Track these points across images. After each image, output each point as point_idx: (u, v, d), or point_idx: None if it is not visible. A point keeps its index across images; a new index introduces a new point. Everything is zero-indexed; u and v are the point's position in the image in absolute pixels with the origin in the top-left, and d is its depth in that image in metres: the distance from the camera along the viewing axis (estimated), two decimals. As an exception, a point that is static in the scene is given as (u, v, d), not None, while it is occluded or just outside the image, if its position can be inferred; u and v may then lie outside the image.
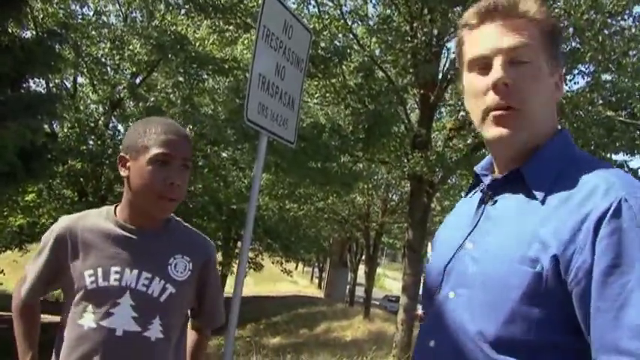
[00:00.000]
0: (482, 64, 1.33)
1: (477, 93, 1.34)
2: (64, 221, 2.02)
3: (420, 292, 1.55)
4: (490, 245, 1.29)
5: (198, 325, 2.19)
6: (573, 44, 12.77)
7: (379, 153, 13.39)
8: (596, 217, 1.15)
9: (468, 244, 1.35)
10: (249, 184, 17.78)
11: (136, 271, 1.94)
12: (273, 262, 26.75)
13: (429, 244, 1.54)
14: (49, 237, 2.01)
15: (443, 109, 17.00)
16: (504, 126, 1.30)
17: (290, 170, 14.15)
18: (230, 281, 24.90)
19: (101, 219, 2.01)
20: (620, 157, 13.84)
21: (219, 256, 23.03)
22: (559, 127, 1.40)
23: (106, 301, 1.91)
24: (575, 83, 21.82)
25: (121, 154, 1.99)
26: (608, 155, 14.66)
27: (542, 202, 1.26)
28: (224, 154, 19.21)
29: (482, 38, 1.34)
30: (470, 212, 1.41)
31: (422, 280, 1.39)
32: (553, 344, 1.19)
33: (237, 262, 19.47)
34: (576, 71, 13.73)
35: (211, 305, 2.17)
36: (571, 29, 12.08)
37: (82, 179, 17.60)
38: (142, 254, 1.97)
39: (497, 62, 1.30)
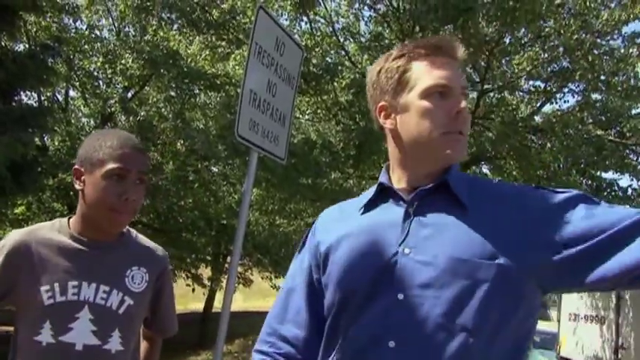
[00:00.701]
0: (441, 93, 1.49)
1: (435, 117, 1.49)
2: (15, 235, 1.95)
3: (328, 304, 1.47)
4: (439, 249, 1.41)
5: (150, 334, 2.19)
6: (564, 63, 12.91)
7: (370, 170, 13.43)
8: (551, 203, 1.45)
9: (405, 249, 1.44)
10: (240, 200, 17.67)
11: (94, 285, 1.92)
12: (262, 278, 26.62)
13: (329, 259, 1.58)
14: (0, 251, 1.93)
15: (433, 127, 17.07)
16: (460, 147, 1.50)
17: (281, 186, 14.16)
18: (219, 296, 24.79)
19: (54, 232, 1.97)
20: (609, 175, 13.97)
21: (208, 271, 22.95)
22: None
23: (64, 316, 1.89)
24: (565, 102, 21.95)
25: (76, 166, 1.97)
26: (598, 173, 14.77)
27: (470, 207, 1.46)
28: (214, 169, 19.20)
29: (442, 70, 1.51)
30: (384, 224, 1.51)
31: (331, 295, 1.37)
32: (515, 322, 1.40)
33: (226, 277, 19.36)
34: (566, 90, 13.87)
35: (165, 314, 2.18)
36: (561, 48, 12.21)
37: (71, 193, 17.52)
38: (98, 267, 1.95)
39: (461, 95, 1.51)
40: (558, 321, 14.75)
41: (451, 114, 1.48)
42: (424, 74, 1.51)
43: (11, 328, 1.98)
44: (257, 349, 1.71)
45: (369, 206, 1.60)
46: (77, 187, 1.96)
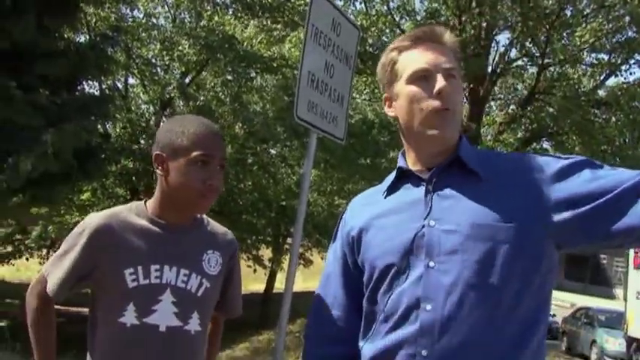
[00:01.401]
0: (423, 77, 1.63)
1: (419, 98, 1.63)
2: (96, 219, 1.98)
3: (366, 281, 1.58)
4: (460, 217, 1.56)
5: (215, 314, 2.20)
6: (630, 33, 12.48)
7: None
8: (558, 168, 1.56)
9: (430, 222, 1.58)
10: (298, 181, 17.85)
11: (175, 268, 1.97)
12: (322, 258, 26.81)
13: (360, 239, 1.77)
14: (79, 235, 1.97)
15: (492, 103, 16.78)
16: (445, 125, 1.61)
17: (339, 166, 14.18)
18: (280, 277, 25.05)
19: (133, 215, 2.00)
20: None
21: (268, 252, 23.20)
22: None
23: (147, 298, 1.93)
24: (631, 74, 21.25)
25: (157, 152, 1.97)
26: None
27: (483, 177, 1.59)
28: (273, 151, 19.34)
29: (422, 56, 1.66)
30: (408, 202, 1.66)
31: (368, 272, 1.52)
32: (538, 277, 1.54)
33: (286, 258, 19.61)
34: (632, 61, 13.40)
35: (233, 297, 2.21)
36: (627, 18, 11.79)
37: (134, 178, 17.94)
38: (178, 250, 1.99)
39: (439, 76, 1.62)
40: (625, 300, 14.35)
41: (433, 94, 1.61)
42: (408, 63, 1.66)
43: (82, 310, 2.02)
44: (305, 335, 1.91)
45: (391, 190, 1.75)
46: (159, 172, 1.98)
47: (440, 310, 1.51)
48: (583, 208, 1.49)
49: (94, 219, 1.98)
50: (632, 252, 13.57)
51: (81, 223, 2.01)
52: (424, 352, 1.52)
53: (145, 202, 2.06)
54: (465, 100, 14.44)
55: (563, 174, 1.55)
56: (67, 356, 8.92)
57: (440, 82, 1.60)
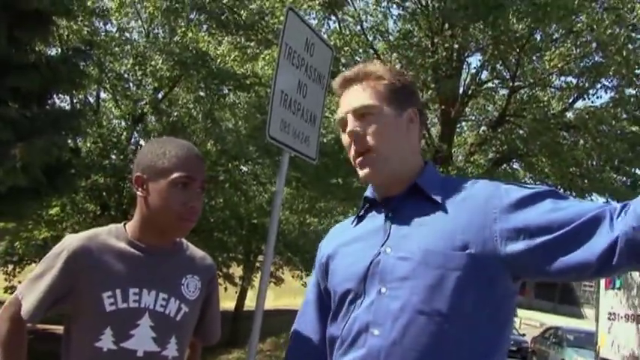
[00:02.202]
0: (343, 124, 1.71)
1: (346, 147, 1.72)
2: (75, 240, 1.94)
3: (332, 306, 1.65)
4: (415, 245, 1.56)
5: (194, 340, 2.20)
6: (596, 58, 12.72)
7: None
8: (519, 197, 1.53)
9: (386, 249, 1.61)
10: (270, 199, 17.81)
11: (153, 292, 1.95)
12: (293, 276, 26.73)
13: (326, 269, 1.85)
14: (56, 256, 1.93)
15: (464, 124, 16.95)
16: (365, 166, 1.67)
17: (311, 185, 14.19)
18: (251, 295, 24.92)
19: (112, 238, 1.98)
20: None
21: (239, 270, 23.08)
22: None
23: (125, 322, 1.90)
24: (598, 97, 21.64)
25: (138, 173, 1.97)
26: (633, 170, 14.52)
27: (442, 204, 1.60)
28: (245, 169, 19.31)
29: (341, 104, 1.74)
30: (370, 231, 1.70)
31: (332, 298, 1.61)
32: (488, 306, 1.51)
33: (257, 276, 19.47)
34: (599, 86, 13.66)
35: (210, 322, 2.20)
36: (594, 44, 12.03)
37: (104, 194, 17.75)
38: (157, 274, 1.98)
39: (350, 119, 1.68)
40: (596, 320, 14.46)
41: (347, 142, 1.70)
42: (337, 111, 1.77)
43: (51, 327, 1.97)
44: (285, 357, 1.97)
45: (360, 219, 1.80)
46: (140, 194, 1.97)
47: (387, 335, 1.54)
48: (537, 240, 1.47)
49: (72, 240, 1.95)
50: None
51: (59, 244, 1.98)
52: None
53: (125, 224, 2.04)
54: (436, 120, 14.58)
55: (523, 203, 1.52)
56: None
57: (349, 126, 1.68)
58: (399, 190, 1.68)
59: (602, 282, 13.88)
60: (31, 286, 1.95)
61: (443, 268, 1.51)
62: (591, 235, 1.42)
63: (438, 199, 1.62)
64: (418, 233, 1.59)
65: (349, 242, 1.76)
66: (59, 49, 14.65)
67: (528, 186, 1.58)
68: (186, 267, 2.06)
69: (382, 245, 1.62)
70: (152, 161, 1.96)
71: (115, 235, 1.99)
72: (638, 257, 1.37)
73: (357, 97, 1.69)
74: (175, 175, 1.91)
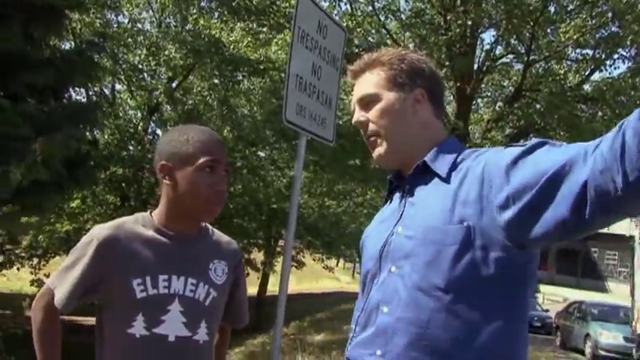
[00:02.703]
0: (354, 112, 1.82)
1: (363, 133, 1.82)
2: (103, 230, 1.98)
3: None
4: (420, 222, 1.61)
5: (223, 324, 2.23)
6: (613, 28, 12.56)
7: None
8: (513, 157, 1.46)
9: (398, 229, 1.66)
10: (288, 183, 17.85)
11: (182, 278, 1.98)
12: (314, 260, 26.81)
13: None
14: (86, 246, 1.97)
15: (479, 101, 16.85)
16: (374, 149, 1.77)
17: (329, 168, 14.20)
18: (273, 280, 25.04)
19: (139, 226, 2.02)
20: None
21: (260, 256, 23.18)
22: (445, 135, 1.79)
23: (156, 308, 1.94)
24: (615, 68, 21.34)
25: (162, 162, 2.00)
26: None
27: (447, 179, 1.62)
28: (262, 154, 19.34)
29: (353, 93, 1.83)
30: (392, 211, 1.76)
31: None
32: (487, 278, 1.50)
33: (278, 260, 19.59)
34: (616, 56, 13.49)
35: (238, 306, 2.24)
36: (610, 13, 11.87)
37: (123, 184, 17.88)
38: (185, 260, 2.01)
39: (356, 109, 1.80)
40: (632, 296, 14.25)
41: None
42: None
43: (84, 319, 2.00)
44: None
45: (386, 200, 1.88)
46: (166, 182, 2.00)
47: (393, 312, 1.59)
48: (523, 200, 1.40)
49: (101, 230, 1.99)
50: (638, 248, 13.54)
51: (87, 234, 2.02)
52: (379, 352, 1.60)
53: (151, 212, 2.08)
54: (452, 98, 14.50)
55: (514, 164, 1.45)
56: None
57: (354, 116, 1.80)
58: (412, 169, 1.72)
59: (637, 257, 13.72)
60: (62, 276, 1.98)
61: (440, 243, 1.53)
62: (563, 185, 1.31)
63: (443, 173, 1.64)
64: (422, 211, 1.63)
65: (377, 224, 1.83)
66: (73, 43, 14.72)
67: (520, 144, 1.49)
68: (213, 252, 2.09)
69: (395, 225, 1.68)
70: (176, 148, 1.99)
71: (142, 223, 2.03)
72: (608, 209, 1.26)
73: (360, 86, 1.79)
74: (201, 159, 1.95)
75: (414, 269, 1.57)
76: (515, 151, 1.48)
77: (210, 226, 2.18)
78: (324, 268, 28.88)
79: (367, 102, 1.76)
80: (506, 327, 1.52)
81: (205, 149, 1.97)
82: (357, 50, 11.52)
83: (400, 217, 1.68)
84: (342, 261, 58.90)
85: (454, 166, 1.64)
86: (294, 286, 37.40)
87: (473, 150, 1.69)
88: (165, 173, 2.00)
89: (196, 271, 2.02)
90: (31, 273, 18.62)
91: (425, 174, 1.68)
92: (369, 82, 1.77)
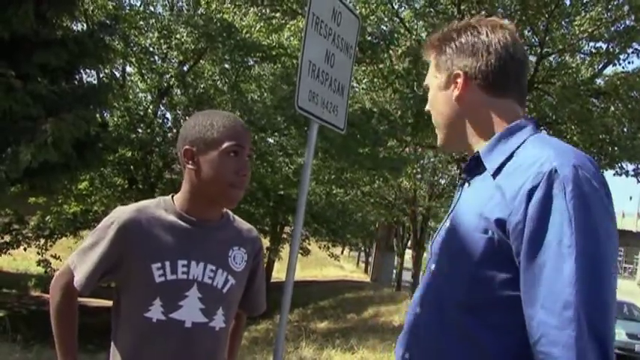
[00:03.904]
0: None
1: None
2: (124, 213, 1.98)
3: None
4: (457, 220, 1.53)
5: (239, 312, 2.23)
6: (628, 22, 12.45)
7: (427, 137, 13.28)
8: (530, 185, 1.33)
9: (446, 223, 1.60)
10: (297, 170, 17.86)
11: (202, 264, 1.98)
12: (320, 247, 26.85)
13: None
14: (107, 228, 1.97)
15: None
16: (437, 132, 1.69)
17: (339, 156, 14.17)
18: (278, 266, 25.11)
19: (161, 210, 2.01)
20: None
21: (266, 242, 23.22)
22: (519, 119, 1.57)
23: (174, 294, 1.94)
24: (629, 63, 21.20)
25: (186, 147, 1.99)
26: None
27: (494, 176, 1.48)
28: (271, 140, 19.31)
29: None
30: (454, 200, 1.68)
31: None
32: (508, 299, 1.37)
33: (284, 247, 19.60)
34: (630, 50, 13.38)
35: (256, 294, 2.24)
36: (626, 7, 11.76)
37: (132, 167, 17.88)
38: (205, 246, 2.01)
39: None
40: None
41: None
42: None
43: (100, 301, 2.00)
44: None
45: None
46: (189, 167, 1.99)
47: (423, 316, 1.55)
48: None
49: (122, 213, 1.99)
50: None
51: (108, 216, 2.02)
52: (407, 355, 1.57)
53: (172, 196, 2.07)
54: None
55: (529, 203, 1.33)
56: (87, 348, 8.92)
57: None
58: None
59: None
60: (82, 256, 2.00)
61: (459, 244, 1.46)
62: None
63: (491, 170, 1.49)
64: (462, 208, 1.56)
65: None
66: (85, 25, 14.69)
67: (555, 189, 1.32)
68: (233, 239, 2.09)
69: (446, 218, 1.62)
70: (200, 133, 1.98)
71: (164, 208, 2.03)
72: None
73: (429, 71, 1.71)
74: (226, 144, 1.95)
75: (436, 268, 1.54)
76: (541, 224, 1.31)
77: (231, 213, 2.17)
78: (329, 255, 28.92)
79: (429, 87, 1.70)
80: (518, 352, 1.36)
81: (230, 134, 1.96)
82: (369, 38, 11.45)
83: (452, 210, 1.61)
84: (347, 249, 59.07)
85: (504, 163, 1.48)
86: (299, 273, 37.49)
87: (538, 143, 1.46)
88: (188, 158, 1.99)
89: (216, 257, 2.02)
90: (38, 253, 18.68)
91: (479, 166, 1.55)
92: (433, 63, 1.67)
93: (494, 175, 1.47)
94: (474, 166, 1.58)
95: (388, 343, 11.69)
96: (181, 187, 2.05)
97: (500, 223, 1.37)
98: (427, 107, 1.70)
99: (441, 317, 1.47)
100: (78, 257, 2.01)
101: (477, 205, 1.46)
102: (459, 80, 1.58)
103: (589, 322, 1.23)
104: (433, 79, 1.66)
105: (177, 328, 1.94)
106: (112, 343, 2.01)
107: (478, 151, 1.55)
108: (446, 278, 1.49)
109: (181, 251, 1.97)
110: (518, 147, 1.49)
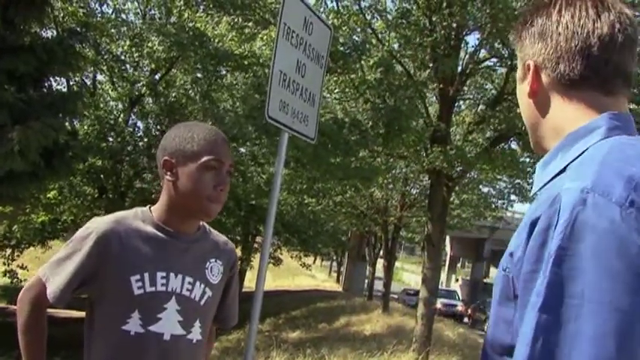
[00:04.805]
0: None
1: None
2: (103, 223, 1.94)
3: None
4: None
5: (212, 324, 2.21)
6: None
7: (398, 147, 13.35)
8: (536, 215, 1.09)
9: None
10: (268, 180, 17.82)
11: (180, 276, 1.96)
12: (291, 257, 26.84)
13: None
14: (84, 239, 1.92)
15: (462, 103, 16.91)
16: None
17: (310, 165, 14.19)
18: (249, 276, 24.99)
19: (139, 221, 1.98)
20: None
21: (238, 251, 23.11)
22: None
23: (153, 306, 1.92)
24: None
25: (166, 157, 1.97)
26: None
27: (534, 199, 1.28)
28: (242, 150, 19.26)
29: None
30: None
31: None
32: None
33: (256, 256, 19.51)
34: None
35: (229, 307, 2.22)
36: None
37: (102, 176, 17.73)
38: (183, 258, 1.99)
39: None
40: None
41: None
42: None
43: (71, 313, 1.94)
44: None
45: None
46: (168, 178, 1.96)
47: None
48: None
49: (101, 223, 1.94)
50: None
51: (85, 227, 1.97)
52: None
53: (149, 207, 2.04)
54: (435, 99, 14.56)
55: (528, 242, 1.09)
56: None
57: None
58: None
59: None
60: (56, 268, 1.93)
61: (496, 286, 1.23)
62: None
63: (537, 187, 1.26)
64: None
65: None
66: (55, 31, 14.55)
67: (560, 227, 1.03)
68: (210, 251, 2.08)
69: None
70: (181, 145, 1.96)
71: (142, 219, 1.99)
72: None
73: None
74: (205, 158, 1.93)
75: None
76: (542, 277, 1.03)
77: (207, 225, 2.16)
78: (301, 265, 28.90)
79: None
80: None
81: (210, 148, 1.94)
82: (341, 48, 11.49)
83: None
84: (319, 259, 59.07)
85: (550, 180, 1.21)
86: (271, 283, 37.43)
87: (591, 160, 1.12)
88: (167, 169, 1.97)
89: (193, 269, 2.00)
90: (4, 264, 18.41)
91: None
92: (519, 59, 1.39)
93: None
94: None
95: (359, 352, 11.69)
96: (159, 198, 2.03)
97: (512, 259, 1.16)
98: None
99: (482, 349, 1.31)
100: (51, 269, 1.95)
101: (513, 235, 1.23)
102: (530, 71, 1.31)
103: None
104: (518, 73, 1.38)
105: (156, 341, 1.91)
106: (86, 357, 1.96)
107: (541, 161, 1.29)
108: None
109: (160, 263, 1.94)
110: (575, 159, 1.18)
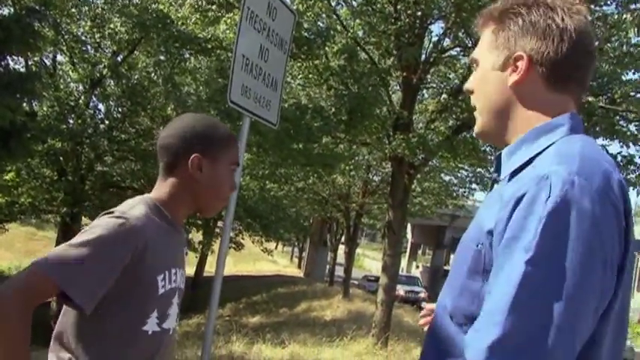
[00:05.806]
0: None
1: None
2: (135, 219, 1.77)
3: None
4: (468, 226, 1.41)
5: None
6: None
7: (361, 134, 13.40)
8: (522, 192, 1.20)
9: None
10: (231, 165, 17.71)
11: (180, 270, 1.96)
12: (253, 242, 26.79)
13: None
14: (117, 235, 1.71)
15: (425, 92, 17.02)
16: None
17: (272, 151, 14.16)
18: (210, 260, 24.90)
19: (154, 215, 1.86)
20: (599, 141, 13.95)
21: (199, 236, 23.01)
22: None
23: (166, 303, 1.88)
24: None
25: (196, 154, 1.88)
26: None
27: (503, 183, 1.37)
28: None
29: None
30: None
31: None
32: None
33: (217, 241, 19.43)
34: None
35: None
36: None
37: (61, 158, 17.45)
38: (180, 251, 2.00)
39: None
40: None
41: None
42: None
43: None
44: None
45: None
46: (191, 173, 1.89)
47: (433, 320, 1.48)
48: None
49: (133, 218, 1.77)
50: None
51: (114, 220, 1.75)
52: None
53: (154, 199, 1.94)
54: (398, 87, 14.62)
55: (512, 214, 1.20)
56: None
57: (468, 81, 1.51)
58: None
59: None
60: (80, 266, 1.65)
61: (459, 260, 1.35)
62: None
63: (504, 175, 1.37)
64: (477, 213, 1.41)
65: None
66: (12, 9, 14.20)
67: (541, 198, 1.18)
68: (184, 240, 2.09)
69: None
70: (213, 143, 1.93)
71: (155, 212, 1.88)
72: None
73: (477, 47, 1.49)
74: (232, 160, 1.97)
75: (446, 284, 1.43)
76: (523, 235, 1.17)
77: None
78: (262, 250, 28.88)
79: (471, 66, 1.48)
80: None
81: (235, 150, 1.99)
82: (305, 34, 11.46)
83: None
84: (280, 244, 59.09)
85: (519, 170, 1.32)
86: (232, 268, 37.34)
87: (564, 148, 1.28)
88: (195, 164, 1.88)
89: (181, 260, 2.01)
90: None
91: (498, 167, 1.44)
92: (480, 43, 1.46)
93: (509, 181, 1.33)
94: (497, 167, 1.44)
95: (319, 337, 11.77)
96: (167, 190, 1.92)
97: (489, 235, 1.26)
98: (468, 86, 1.47)
99: (435, 317, 1.41)
100: (70, 268, 1.64)
101: (481, 214, 1.35)
102: (521, 64, 1.36)
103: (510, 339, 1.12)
104: (487, 56, 1.42)
105: (166, 337, 1.89)
106: (83, 355, 1.74)
107: (501, 152, 1.40)
108: (447, 284, 1.41)
109: (171, 259, 1.91)
110: (541, 152, 1.31)
